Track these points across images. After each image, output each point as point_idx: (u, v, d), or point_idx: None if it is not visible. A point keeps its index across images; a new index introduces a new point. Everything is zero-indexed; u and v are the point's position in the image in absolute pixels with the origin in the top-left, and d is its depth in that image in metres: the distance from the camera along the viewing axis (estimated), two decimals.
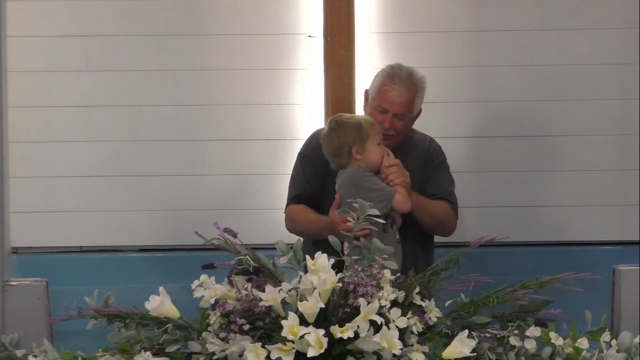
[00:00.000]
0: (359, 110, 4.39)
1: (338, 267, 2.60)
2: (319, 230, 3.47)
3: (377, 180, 3.35)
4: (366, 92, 3.75)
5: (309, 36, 4.59)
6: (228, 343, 2.52)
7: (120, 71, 4.61)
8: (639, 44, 4.59)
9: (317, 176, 3.64)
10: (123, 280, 4.39)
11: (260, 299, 2.51)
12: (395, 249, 3.20)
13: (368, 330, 2.46)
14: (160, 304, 2.64)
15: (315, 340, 2.43)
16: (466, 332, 2.56)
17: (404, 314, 2.55)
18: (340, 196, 3.37)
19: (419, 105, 3.68)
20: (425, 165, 3.69)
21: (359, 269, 2.58)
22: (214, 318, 2.59)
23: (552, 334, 2.70)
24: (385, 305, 2.53)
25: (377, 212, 2.77)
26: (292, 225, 3.69)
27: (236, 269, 2.68)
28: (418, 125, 3.78)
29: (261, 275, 2.68)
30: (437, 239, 3.79)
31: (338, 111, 4.32)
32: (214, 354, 2.56)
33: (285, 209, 3.72)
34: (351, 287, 2.53)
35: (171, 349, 2.64)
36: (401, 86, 3.60)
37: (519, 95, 4.67)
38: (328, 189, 3.53)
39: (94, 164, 4.62)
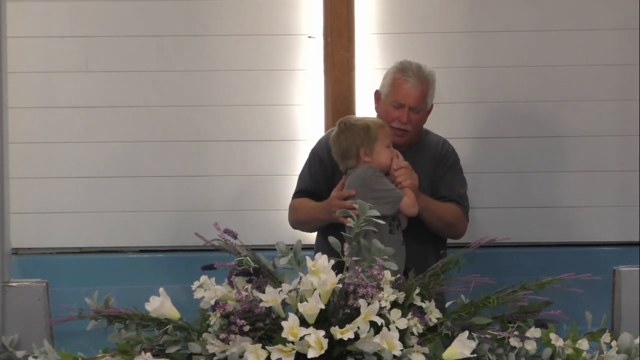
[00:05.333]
0: (359, 110, 4.40)
1: (338, 268, 2.60)
2: (317, 214, 3.53)
3: (387, 181, 3.35)
4: (377, 92, 3.74)
5: (309, 37, 4.59)
6: (228, 344, 2.52)
7: (120, 72, 4.61)
8: (639, 44, 4.59)
9: (324, 173, 3.65)
10: (123, 281, 4.39)
11: (261, 300, 2.51)
12: (399, 250, 3.21)
13: (368, 331, 2.46)
14: (160, 305, 2.65)
15: (316, 341, 2.43)
16: (466, 333, 2.56)
17: (404, 315, 2.55)
18: (346, 178, 3.38)
19: (431, 100, 3.69)
20: (438, 166, 3.69)
21: (359, 270, 2.58)
22: (214, 319, 2.59)
23: (553, 335, 2.70)
24: (385, 307, 2.53)
25: (377, 213, 2.78)
26: (293, 216, 3.72)
27: (236, 270, 2.69)
28: (425, 126, 3.78)
29: (261, 276, 2.68)
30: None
31: (338, 112, 4.33)
32: (214, 355, 2.56)
33: (290, 202, 3.75)
34: (351, 288, 2.53)
35: (171, 350, 2.65)
36: (414, 78, 3.62)
37: (519, 96, 4.67)
38: (334, 188, 3.54)
39: (94, 164, 4.62)
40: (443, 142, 3.77)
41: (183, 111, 4.64)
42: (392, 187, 3.33)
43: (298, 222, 3.70)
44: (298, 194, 3.72)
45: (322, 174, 3.66)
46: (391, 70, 3.70)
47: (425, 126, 3.78)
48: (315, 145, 3.78)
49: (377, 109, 3.74)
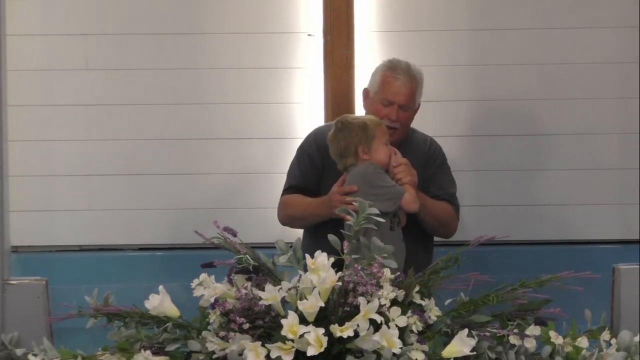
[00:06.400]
0: (359, 108, 4.40)
1: (338, 265, 2.60)
2: (315, 210, 3.52)
3: (388, 178, 3.35)
4: (365, 90, 3.75)
5: (309, 35, 4.59)
6: (228, 342, 2.52)
7: (120, 70, 4.62)
8: (639, 43, 4.59)
9: (313, 170, 3.65)
10: (123, 279, 4.40)
11: (260, 298, 2.51)
12: (400, 247, 3.21)
13: (368, 329, 2.46)
14: (160, 302, 2.65)
15: (315, 339, 2.43)
16: (466, 330, 2.56)
17: (403, 313, 2.55)
18: (347, 174, 3.38)
19: (419, 98, 3.69)
20: (426, 165, 3.69)
21: (359, 268, 2.58)
22: (214, 317, 2.59)
23: (552, 333, 2.70)
24: (385, 304, 2.53)
25: (376, 211, 2.78)
26: (285, 211, 3.69)
27: (236, 267, 2.68)
28: (419, 124, 3.79)
29: (261, 274, 2.68)
30: (437, 238, 3.79)
31: (338, 110, 4.33)
32: (213, 352, 2.56)
33: (280, 198, 3.74)
34: (351, 286, 2.53)
35: (171, 347, 2.64)
36: (404, 76, 3.62)
37: (519, 94, 4.67)
38: (323, 185, 3.54)
39: (93, 162, 4.62)
40: (430, 141, 3.77)
41: (182, 109, 4.64)
42: (393, 183, 3.34)
43: (291, 217, 3.69)
44: (289, 190, 3.71)
45: (311, 171, 3.66)
46: (380, 68, 3.70)
47: (425, 124, 3.78)
48: (303, 142, 3.77)
49: (365, 106, 3.74)
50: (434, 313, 2.65)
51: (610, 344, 2.75)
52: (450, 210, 3.66)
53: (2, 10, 3.05)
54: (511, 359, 2.64)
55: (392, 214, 3.26)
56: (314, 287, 2.51)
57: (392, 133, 3.59)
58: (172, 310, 2.67)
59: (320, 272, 2.52)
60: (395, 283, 2.62)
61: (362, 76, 4.46)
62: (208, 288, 2.64)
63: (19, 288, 2.96)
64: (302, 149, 3.75)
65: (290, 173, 3.75)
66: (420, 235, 3.61)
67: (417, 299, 2.65)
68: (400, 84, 3.62)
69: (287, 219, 3.71)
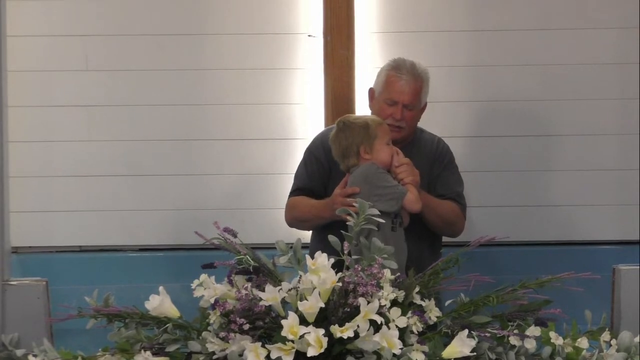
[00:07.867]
0: (359, 109, 4.40)
1: (338, 266, 2.60)
2: (319, 212, 3.52)
3: (390, 177, 3.35)
4: (371, 90, 3.75)
5: (309, 35, 4.59)
6: (228, 342, 2.52)
7: (120, 71, 4.61)
8: (639, 44, 4.59)
9: (320, 172, 3.66)
10: (123, 280, 4.39)
11: (260, 299, 2.51)
12: (402, 248, 3.21)
13: (368, 330, 2.46)
14: (160, 303, 2.65)
15: (315, 339, 2.43)
16: (466, 331, 2.56)
17: (403, 314, 2.55)
18: (349, 175, 3.38)
19: (425, 97, 3.69)
20: (434, 164, 3.69)
21: (359, 269, 2.58)
22: (214, 318, 2.59)
23: (552, 334, 2.70)
24: (385, 305, 2.53)
25: (377, 212, 2.78)
26: (291, 213, 3.70)
27: (236, 268, 2.69)
28: (419, 124, 3.79)
29: (261, 274, 2.68)
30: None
31: (338, 111, 4.33)
32: (213, 353, 2.56)
33: (287, 201, 3.74)
34: (351, 286, 2.53)
35: (171, 348, 2.65)
36: (408, 75, 3.62)
37: (519, 94, 4.67)
38: (331, 187, 3.54)
39: (93, 163, 4.62)
40: (438, 141, 3.77)
41: (183, 110, 4.63)
42: (395, 183, 3.33)
43: (297, 219, 3.70)
44: (296, 192, 3.71)
45: (319, 173, 3.66)
46: (385, 68, 3.70)
47: (426, 124, 3.78)
48: (311, 144, 3.78)
49: (371, 106, 3.75)
50: (434, 314, 2.65)
51: (611, 345, 2.75)
52: (456, 209, 3.66)
53: (3, 10, 3.05)
54: (511, 359, 2.64)
55: (394, 214, 3.26)
56: (314, 288, 2.51)
57: (398, 132, 3.60)
58: (172, 311, 2.68)
59: (321, 273, 2.52)
60: (395, 284, 2.62)
61: (362, 77, 4.46)
62: (208, 289, 2.65)
63: (19, 289, 2.96)
64: (309, 151, 3.75)
65: (297, 175, 3.76)
66: (425, 235, 3.61)
67: (418, 300, 2.65)
68: (403, 83, 3.62)
69: (293, 221, 3.72)
